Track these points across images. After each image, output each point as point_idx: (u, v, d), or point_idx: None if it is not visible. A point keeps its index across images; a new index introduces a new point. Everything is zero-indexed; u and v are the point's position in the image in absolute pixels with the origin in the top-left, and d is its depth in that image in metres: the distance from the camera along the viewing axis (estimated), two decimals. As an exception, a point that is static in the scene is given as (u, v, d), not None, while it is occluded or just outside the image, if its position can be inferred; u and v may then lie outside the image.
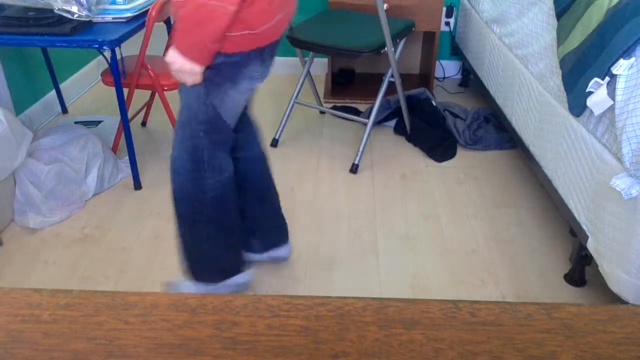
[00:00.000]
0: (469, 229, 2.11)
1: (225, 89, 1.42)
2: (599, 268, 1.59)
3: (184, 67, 1.34)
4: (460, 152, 2.65)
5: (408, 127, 2.75)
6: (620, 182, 1.40)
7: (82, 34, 2.01)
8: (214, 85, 1.41)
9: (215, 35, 1.30)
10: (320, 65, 3.47)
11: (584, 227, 1.67)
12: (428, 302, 0.57)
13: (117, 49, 2.07)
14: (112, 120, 2.80)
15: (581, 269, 1.81)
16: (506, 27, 2.44)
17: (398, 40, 2.53)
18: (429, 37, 3.20)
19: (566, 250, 1.97)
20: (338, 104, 3.10)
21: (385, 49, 2.40)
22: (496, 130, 2.74)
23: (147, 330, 0.53)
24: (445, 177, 2.45)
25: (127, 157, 2.36)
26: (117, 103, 2.20)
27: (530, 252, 1.98)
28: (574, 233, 1.76)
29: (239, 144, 1.65)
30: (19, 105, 2.69)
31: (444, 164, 2.56)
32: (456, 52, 3.43)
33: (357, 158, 2.49)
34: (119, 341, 0.52)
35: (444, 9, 3.34)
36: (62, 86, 3.04)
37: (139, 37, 2.26)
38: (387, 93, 2.63)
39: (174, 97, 2.92)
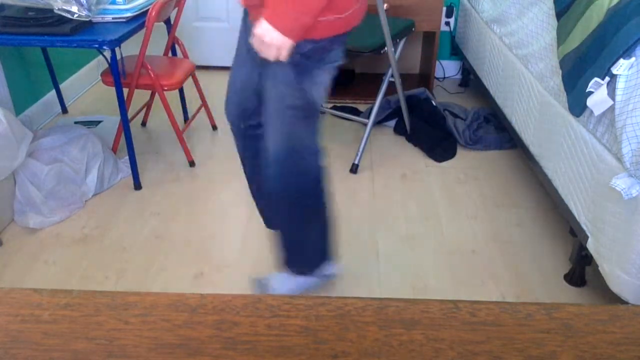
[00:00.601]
0: (469, 229, 2.11)
1: (315, 73, 1.44)
2: (599, 268, 1.59)
3: (275, 40, 1.31)
4: (460, 152, 2.65)
5: (408, 127, 2.75)
6: (620, 182, 1.40)
7: (82, 34, 2.01)
8: (304, 70, 1.42)
9: (315, 10, 1.30)
10: (320, 65, 3.46)
11: (584, 227, 1.67)
12: (428, 302, 0.57)
13: (117, 49, 2.07)
14: (112, 120, 2.80)
15: (581, 269, 1.81)
16: (506, 27, 2.44)
17: (398, 40, 2.53)
18: (429, 37, 3.20)
19: (566, 250, 1.97)
20: (338, 104, 3.10)
21: (385, 49, 2.40)
22: (496, 130, 2.74)
23: (147, 330, 0.53)
24: (445, 177, 2.45)
25: (127, 157, 2.36)
26: (117, 103, 2.20)
27: (530, 252, 1.98)
28: (574, 233, 1.76)
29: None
30: (19, 105, 2.69)
31: (444, 164, 2.56)
32: (456, 52, 3.43)
33: (357, 158, 2.49)
34: (119, 341, 0.52)
35: (444, 9, 3.34)
36: (62, 86, 3.04)
37: (139, 37, 2.26)
38: (387, 93, 2.63)
39: (174, 97, 2.93)
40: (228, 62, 3.65)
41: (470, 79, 3.37)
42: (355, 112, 2.99)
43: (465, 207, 2.24)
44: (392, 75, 2.55)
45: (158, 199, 2.29)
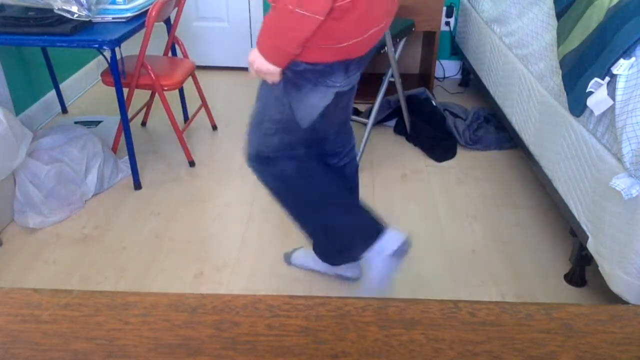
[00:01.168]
0: (469, 229, 2.11)
1: (305, 92, 1.43)
2: (599, 268, 1.59)
3: (263, 67, 1.37)
4: (460, 152, 2.65)
5: (408, 127, 2.75)
6: (621, 182, 1.40)
7: (82, 34, 2.01)
8: (294, 87, 1.42)
9: (296, 42, 1.30)
10: (320, 65, 3.46)
11: (584, 227, 1.67)
12: (428, 302, 0.57)
13: (117, 49, 2.07)
14: (112, 120, 2.80)
15: (581, 269, 1.81)
16: (506, 27, 2.44)
17: (398, 40, 2.53)
18: (429, 37, 3.20)
19: (566, 250, 1.97)
20: (338, 104, 3.10)
21: (385, 48, 2.40)
22: (496, 130, 2.74)
23: (147, 330, 0.53)
24: (445, 177, 2.45)
25: (127, 157, 2.36)
26: (117, 103, 2.20)
27: (530, 252, 1.98)
28: (574, 233, 1.76)
29: (334, 151, 1.69)
30: (19, 105, 2.69)
31: (444, 164, 2.56)
32: (456, 52, 3.43)
33: (357, 158, 2.49)
34: (119, 341, 0.52)
35: (444, 9, 3.34)
36: (62, 86, 3.04)
37: (139, 37, 2.26)
38: (387, 93, 2.63)
39: (174, 97, 2.93)
40: (228, 62, 3.69)
41: (470, 79, 3.37)
42: (355, 112, 2.99)
43: (465, 207, 2.24)
44: (392, 75, 2.55)
45: (158, 199, 2.29)
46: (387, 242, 1.55)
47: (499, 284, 1.83)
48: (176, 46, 2.71)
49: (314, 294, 1.80)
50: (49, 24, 2.00)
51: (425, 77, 3.29)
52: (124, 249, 1.99)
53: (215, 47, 3.58)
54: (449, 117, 2.80)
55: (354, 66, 1.42)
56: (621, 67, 1.43)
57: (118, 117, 2.36)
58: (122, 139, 2.37)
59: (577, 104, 1.64)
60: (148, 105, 2.86)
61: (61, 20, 2.02)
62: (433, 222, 2.15)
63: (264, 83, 1.47)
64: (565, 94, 1.74)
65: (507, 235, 2.07)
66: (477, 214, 2.20)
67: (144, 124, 2.91)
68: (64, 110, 3.04)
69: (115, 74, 2.16)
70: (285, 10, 1.25)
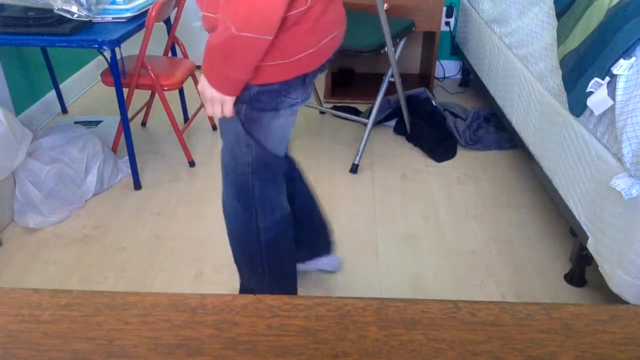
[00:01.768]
0: (469, 229, 2.11)
1: (267, 120, 1.29)
2: (599, 268, 1.59)
3: (215, 97, 1.22)
4: (460, 152, 2.65)
5: (408, 127, 2.75)
6: (621, 182, 1.40)
7: (82, 34, 2.01)
8: (253, 121, 1.29)
9: (246, 68, 1.17)
10: (320, 65, 3.46)
11: (584, 227, 1.67)
12: (428, 302, 0.57)
13: (117, 49, 2.07)
14: (112, 120, 2.80)
15: (581, 269, 1.81)
16: (506, 27, 2.44)
17: (398, 40, 2.53)
18: (429, 37, 3.20)
19: (566, 250, 1.97)
20: (338, 104, 3.10)
21: (385, 48, 2.40)
22: (496, 130, 2.74)
23: (147, 331, 0.53)
24: (445, 177, 2.45)
25: (127, 157, 2.36)
26: (117, 103, 2.20)
27: (530, 252, 1.98)
28: (574, 233, 1.76)
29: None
30: (19, 105, 2.69)
31: (444, 164, 2.56)
32: (456, 52, 3.43)
33: (357, 158, 2.49)
34: (119, 341, 0.52)
35: (444, 9, 3.34)
36: (62, 86, 3.04)
37: (139, 37, 2.26)
38: (387, 93, 2.63)
39: (173, 97, 2.93)
40: (228, 62, 3.67)
41: (470, 79, 3.37)
42: (355, 112, 2.99)
43: (465, 207, 2.24)
44: (392, 75, 2.55)
45: (158, 199, 2.29)
46: (322, 263, 1.74)
47: (499, 284, 1.83)
48: (176, 46, 2.71)
49: (313, 294, 1.80)
50: (48, 24, 2.00)
51: (425, 77, 3.29)
52: (123, 249, 1.99)
53: (215, 47, 3.57)
54: (449, 117, 2.80)
55: (309, 78, 1.29)
56: (621, 67, 1.43)
57: (118, 117, 2.36)
58: (122, 139, 2.37)
59: (577, 104, 1.64)
60: (148, 105, 2.86)
61: (61, 20, 2.02)
62: (433, 222, 2.15)
63: (222, 123, 1.35)
64: (565, 94, 1.74)
65: (507, 235, 2.07)
66: (477, 214, 2.20)
67: (144, 124, 2.91)
68: (64, 110, 3.04)
69: (115, 74, 2.16)
70: (227, 33, 1.09)
